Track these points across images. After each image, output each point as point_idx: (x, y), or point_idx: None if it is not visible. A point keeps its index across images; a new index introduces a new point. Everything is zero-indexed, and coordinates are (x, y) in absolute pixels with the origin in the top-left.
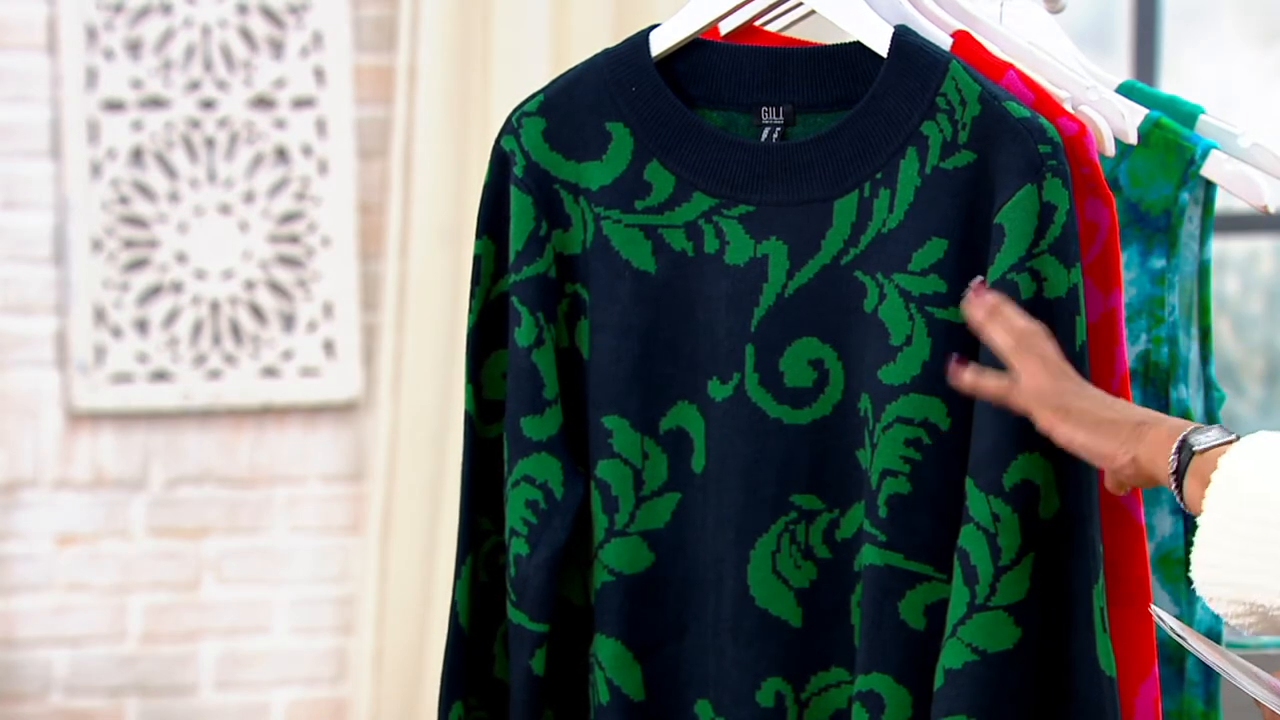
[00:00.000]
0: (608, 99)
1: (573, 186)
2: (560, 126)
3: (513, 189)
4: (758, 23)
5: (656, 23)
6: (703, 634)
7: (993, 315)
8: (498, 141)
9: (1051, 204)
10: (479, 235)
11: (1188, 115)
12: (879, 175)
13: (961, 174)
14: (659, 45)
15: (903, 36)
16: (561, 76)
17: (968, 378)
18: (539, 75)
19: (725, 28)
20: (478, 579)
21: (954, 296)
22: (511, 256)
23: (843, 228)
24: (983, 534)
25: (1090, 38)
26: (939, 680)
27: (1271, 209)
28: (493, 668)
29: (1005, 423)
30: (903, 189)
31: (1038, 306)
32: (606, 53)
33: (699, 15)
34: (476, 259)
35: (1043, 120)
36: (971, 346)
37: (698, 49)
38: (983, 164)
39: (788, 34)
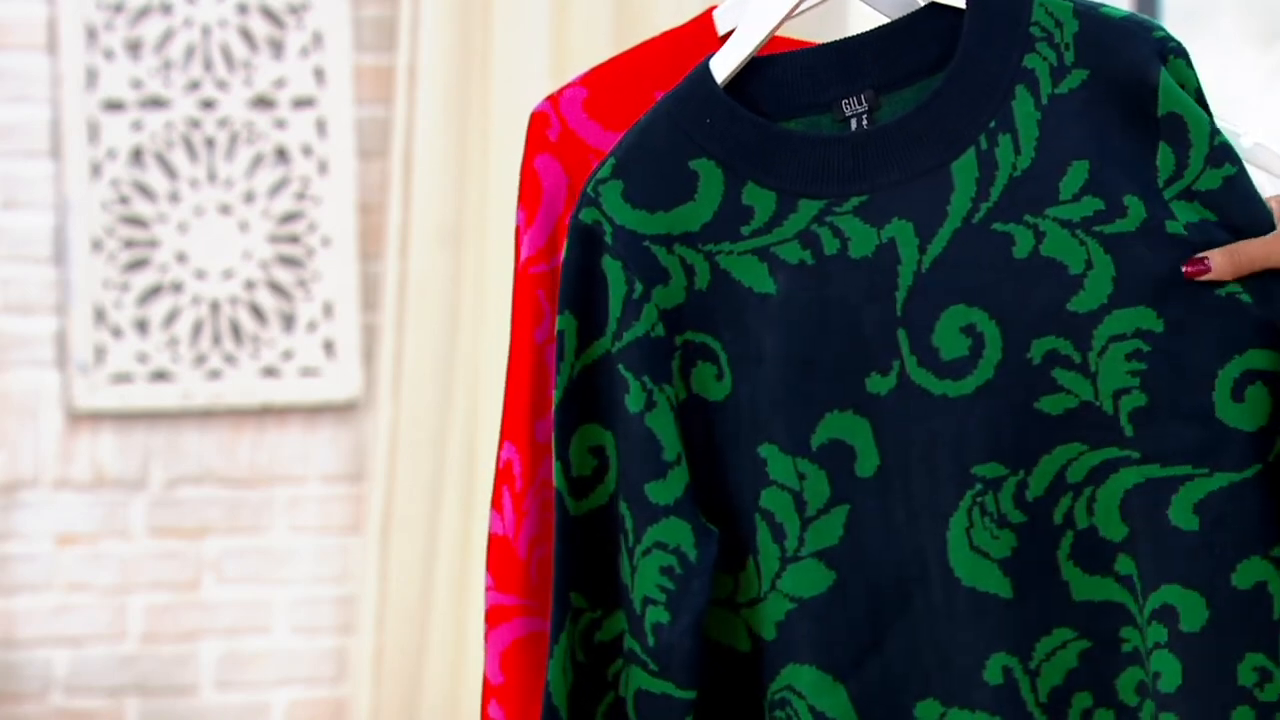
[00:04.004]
0: (684, 139)
1: (664, 239)
2: (638, 183)
3: (605, 259)
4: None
5: (657, 22)
6: (912, 635)
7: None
8: (576, 215)
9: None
10: (561, 311)
11: None
12: (992, 124)
13: (1079, 94)
14: (721, 73)
15: None
16: (627, 134)
17: (1222, 260)
18: (539, 75)
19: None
20: (574, 658)
21: (1114, 209)
22: (612, 325)
23: (967, 187)
24: None
25: None
26: None
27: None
28: None
29: None
30: (1024, 128)
31: (1239, 174)
32: (669, 97)
33: (753, 32)
34: (560, 335)
35: (1142, 15)
36: (1153, 248)
37: (760, 66)
38: (1100, 75)
39: (779, 33)
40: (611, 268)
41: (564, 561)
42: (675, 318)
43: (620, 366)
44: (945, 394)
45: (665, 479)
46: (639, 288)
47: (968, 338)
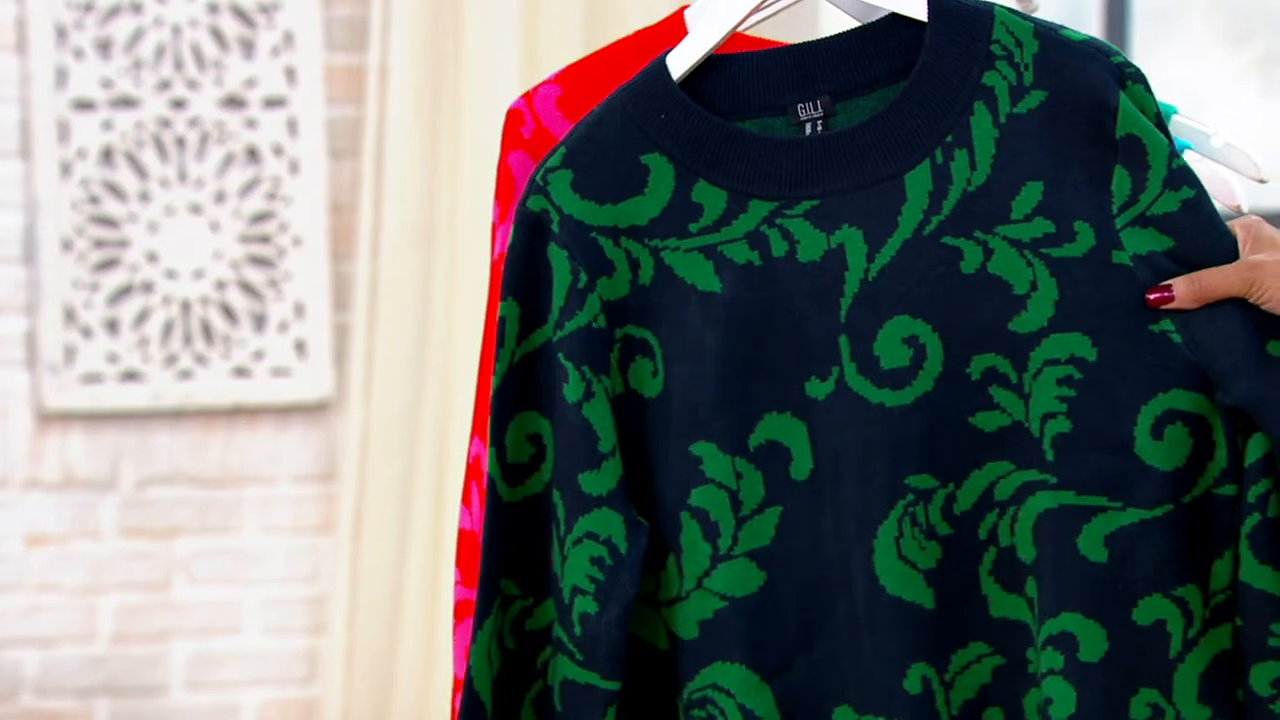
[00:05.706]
0: (636, 132)
1: (611, 230)
2: (588, 173)
3: (551, 246)
4: (746, 27)
5: (628, 22)
6: (834, 639)
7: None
8: (523, 203)
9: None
10: (504, 297)
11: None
12: (949, 138)
13: (1037, 114)
14: (678, 69)
15: None
16: (579, 125)
17: (1184, 289)
18: (510, 74)
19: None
20: (503, 645)
21: (1064, 233)
22: (555, 313)
23: (919, 199)
24: None
25: None
26: None
27: (1244, 208)
28: None
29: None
30: (980, 145)
31: (1198, 198)
32: (623, 90)
33: (712, 31)
34: (501, 320)
35: (1101, 40)
36: (1097, 276)
37: (717, 64)
38: (1058, 98)
39: (748, 33)
40: (557, 256)
41: (492, 547)
42: (617, 310)
43: (560, 355)
44: (883, 403)
45: (599, 469)
46: (584, 278)
47: (909, 349)
